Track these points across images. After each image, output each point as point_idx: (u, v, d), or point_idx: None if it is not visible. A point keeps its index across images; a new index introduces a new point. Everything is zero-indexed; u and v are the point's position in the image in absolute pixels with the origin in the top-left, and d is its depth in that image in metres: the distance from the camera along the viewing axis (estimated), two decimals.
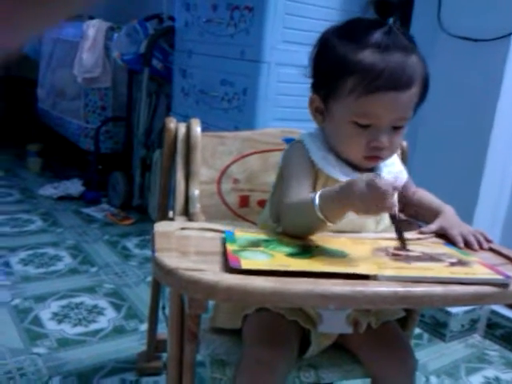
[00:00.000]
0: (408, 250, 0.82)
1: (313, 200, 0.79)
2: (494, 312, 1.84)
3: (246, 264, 0.69)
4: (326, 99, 0.92)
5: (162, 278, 0.70)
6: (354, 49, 0.86)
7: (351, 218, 0.91)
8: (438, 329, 1.81)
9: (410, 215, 1.06)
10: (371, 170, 0.95)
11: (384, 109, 0.85)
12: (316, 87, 0.95)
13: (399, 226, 0.83)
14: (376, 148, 0.88)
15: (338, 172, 0.91)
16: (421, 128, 1.80)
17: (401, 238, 0.83)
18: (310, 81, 0.96)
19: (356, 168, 0.93)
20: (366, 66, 0.84)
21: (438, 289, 0.70)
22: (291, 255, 0.76)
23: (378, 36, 0.85)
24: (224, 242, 0.79)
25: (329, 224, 0.80)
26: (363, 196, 0.73)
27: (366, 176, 0.76)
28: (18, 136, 3.98)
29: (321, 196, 0.79)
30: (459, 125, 1.71)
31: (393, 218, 0.81)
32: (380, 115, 0.86)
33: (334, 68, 0.89)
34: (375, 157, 0.90)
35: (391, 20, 0.88)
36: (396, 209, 0.76)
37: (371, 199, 0.73)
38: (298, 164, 0.94)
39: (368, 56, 0.85)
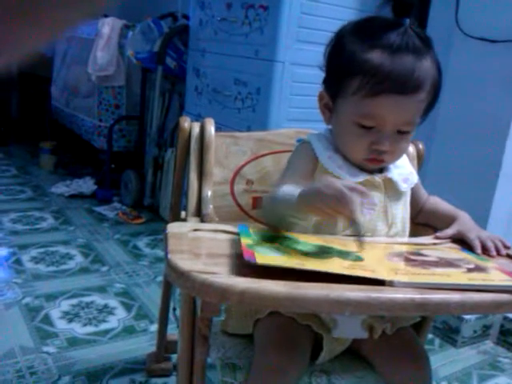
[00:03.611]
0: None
1: (293, 196, 0.77)
2: (506, 318, 1.81)
3: (260, 259, 0.68)
4: (333, 96, 0.91)
5: (175, 281, 0.69)
6: (364, 48, 0.84)
7: (363, 220, 0.89)
8: (450, 334, 1.79)
9: (423, 222, 1.04)
10: (380, 171, 0.93)
11: (388, 112, 0.84)
12: (326, 83, 0.94)
13: (359, 231, 0.77)
14: (377, 151, 0.87)
15: (344, 173, 0.90)
16: (436, 129, 1.78)
17: (359, 243, 0.78)
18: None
19: (364, 169, 0.91)
20: (373, 66, 0.82)
21: (456, 296, 0.68)
22: (307, 254, 0.74)
23: (390, 37, 0.83)
24: (238, 236, 0.78)
25: (298, 221, 0.81)
26: (320, 197, 0.72)
27: (325, 178, 0.76)
28: (31, 133, 4.00)
29: (300, 194, 0.77)
30: (475, 126, 1.68)
31: (354, 221, 0.74)
32: (384, 118, 0.84)
33: (342, 66, 0.87)
34: (376, 160, 0.88)
35: (408, 21, 0.86)
36: (357, 214, 0.71)
37: (327, 200, 0.71)
38: (298, 161, 0.94)
39: (377, 56, 0.83)
